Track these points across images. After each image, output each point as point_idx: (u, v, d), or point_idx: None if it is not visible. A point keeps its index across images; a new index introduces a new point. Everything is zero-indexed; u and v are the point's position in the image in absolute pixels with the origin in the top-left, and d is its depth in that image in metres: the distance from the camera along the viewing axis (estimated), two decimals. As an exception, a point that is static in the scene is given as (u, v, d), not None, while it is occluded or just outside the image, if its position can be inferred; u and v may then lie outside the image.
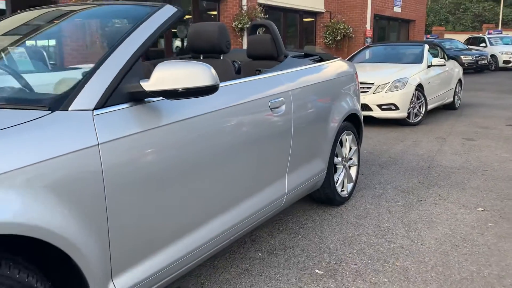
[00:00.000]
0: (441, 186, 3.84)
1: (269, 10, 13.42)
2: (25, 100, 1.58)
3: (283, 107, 2.45)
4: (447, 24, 34.91)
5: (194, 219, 1.86)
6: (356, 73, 3.62)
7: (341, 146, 3.30)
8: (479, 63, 17.96)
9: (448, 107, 8.74)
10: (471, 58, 17.76)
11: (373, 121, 7.07)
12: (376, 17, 17.16)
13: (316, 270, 2.38)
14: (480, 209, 3.30)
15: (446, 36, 26.34)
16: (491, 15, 34.50)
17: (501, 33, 22.91)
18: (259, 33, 3.26)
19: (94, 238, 1.43)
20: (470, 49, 19.36)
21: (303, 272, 2.36)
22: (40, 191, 1.28)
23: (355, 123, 3.52)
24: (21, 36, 2.10)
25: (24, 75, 1.78)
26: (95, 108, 1.51)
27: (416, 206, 3.36)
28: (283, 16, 14.81)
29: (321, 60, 3.34)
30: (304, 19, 15.71)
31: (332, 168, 3.15)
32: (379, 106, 6.74)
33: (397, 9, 18.17)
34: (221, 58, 2.73)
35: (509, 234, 2.84)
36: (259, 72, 2.60)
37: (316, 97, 2.86)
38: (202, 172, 1.86)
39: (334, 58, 3.49)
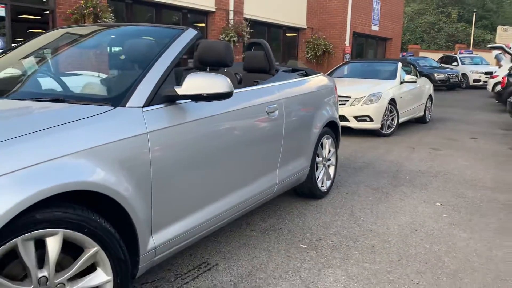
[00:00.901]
0: (406, 186, 4.45)
1: (255, 24, 14.07)
2: (96, 99, 2.08)
3: (277, 112, 3.01)
4: (422, 42, 36.37)
5: (211, 194, 2.39)
6: (335, 87, 4.21)
7: (322, 148, 3.87)
8: (451, 81, 18.98)
9: (419, 121, 9.46)
10: (443, 75, 18.76)
11: (349, 131, 7.70)
12: (355, 35, 18.02)
13: (301, 245, 2.92)
14: (438, 204, 3.91)
15: (421, 54, 27.51)
16: (464, 36, 36.13)
17: (472, 53, 24.14)
18: (253, 49, 3.82)
19: (142, 202, 1.94)
20: (443, 67, 20.40)
21: (290, 246, 2.90)
22: (109, 163, 1.78)
23: (334, 129, 4.10)
24: (81, 49, 2.62)
25: (91, 80, 2.29)
26: (144, 106, 2.03)
27: (384, 200, 3.95)
28: (267, 30, 15.48)
29: (306, 74, 3.92)
30: (287, 34, 16.43)
31: (314, 166, 3.71)
32: (355, 117, 7.39)
33: (375, 28, 19.11)
34: (225, 70, 3.27)
35: (459, 222, 3.45)
36: (257, 83, 3.15)
37: (302, 106, 3.43)
38: (217, 158, 2.39)
39: (317, 73, 4.08)
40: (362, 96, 7.40)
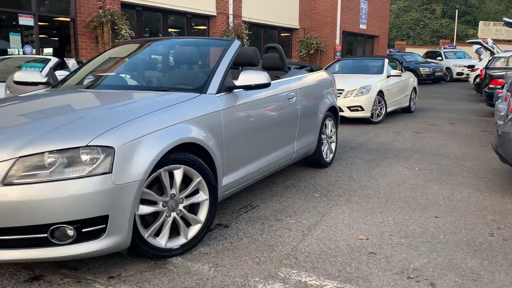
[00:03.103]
0: (393, 158, 5.56)
1: (252, 26, 15.14)
2: (187, 88, 3.14)
3: (294, 98, 4.09)
4: (408, 39, 37.70)
5: (256, 153, 3.46)
6: (334, 80, 5.31)
7: (325, 127, 4.95)
8: (436, 74, 20.20)
9: (405, 111, 10.60)
10: (428, 70, 19.98)
11: (344, 120, 8.79)
12: (345, 33, 19.17)
13: (315, 194, 4.01)
14: (417, 168, 5.02)
15: (407, 50, 28.78)
16: (448, 31, 37.53)
17: (455, 48, 25.39)
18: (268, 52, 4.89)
19: (220, 153, 2.99)
20: (428, 62, 21.63)
21: (307, 195, 3.98)
22: (200, 127, 2.84)
23: (334, 113, 5.19)
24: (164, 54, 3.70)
25: (182, 75, 3.37)
26: (216, 93, 3.10)
27: (375, 168, 5.05)
28: (263, 31, 16.57)
29: (311, 70, 5.00)
30: (281, 34, 17.53)
31: (320, 142, 4.79)
32: (349, 107, 8.50)
33: (363, 26, 20.27)
34: (253, 69, 4.34)
35: (432, 179, 4.55)
36: (278, 77, 4.21)
37: (311, 94, 4.52)
38: (259, 128, 3.47)
39: (321, 68, 5.16)
40: (354, 89, 8.51)
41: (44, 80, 3.67)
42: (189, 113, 2.81)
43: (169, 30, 13.42)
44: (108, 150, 2.27)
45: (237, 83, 3.19)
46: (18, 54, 9.48)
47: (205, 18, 14.15)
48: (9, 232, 2.15)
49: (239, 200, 3.83)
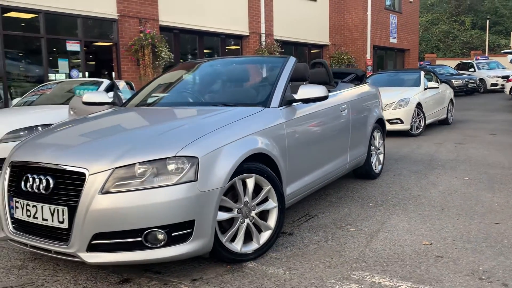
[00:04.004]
0: (439, 169, 5.58)
1: (283, 44, 15.42)
2: (252, 103, 3.32)
3: (346, 111, 4.22)
4: (438, 51, 37.35)
5: (314, 164, 3.60)
6: (379, 92, 5.42)
7: (374, 139, 5.05)
8: (469, 86, 19.93)
9: (443, 123, 10.55)
10: (461, 82, 19.74)
11: (383, 133, 8.83)
12: (375, 48, 19.24)
13: (370, 204, 4.09)
14: (467, 178, 5.04)
15: (438, 62, 28.51)
16: (479, 42, 37.01)
17: (488, 59, 25.02)
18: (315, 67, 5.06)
19: (283, 163, 3.15)
20: (460, 74, 21.37)
21: (362, 205, 4.08)
22: (267, 138, 3.00)
23: (382, 125, 5.28)
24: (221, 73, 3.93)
25: (244, 91, 3.58)
26: (278, 106, 3.27)
27: (424, 178, 5.09)
28: (294, 49, 16.83)
29: (357, 76, 5.13)
30: (312, 51, 17.75)
31: (369, 153, 4.89)
32: (388, 120, 8.53)
33: (393, 40, 20.30)
34: (304, 83, 4.50)
35: (484, 188, 4.56)
36: (329, 91, 4.36)
37: (360, 106, 4.64)
38: (316, 139, 3.61)
39: (364, 73, 5.33)
40: (392, 102, 8.57)
41: (110, 100, 3.94)
42: (257, 125, 2.98)
43: (204, 51, 13.83)
44: (192, 159, 2.45)
45: (297, 96, 3.36)
46: (66, 78, 9.99)
47: (238, 38, 14.52)
48: (109, 236, 2.35)
49: (296, 210, 3.95)
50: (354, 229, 3.41)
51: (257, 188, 2.89)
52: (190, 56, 13.78)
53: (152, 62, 10.89)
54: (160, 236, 2.38)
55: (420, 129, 8.87)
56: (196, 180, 2.43)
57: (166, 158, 2.43)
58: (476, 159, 6.15)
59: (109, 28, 10.98)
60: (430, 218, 3.64)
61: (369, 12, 18.12)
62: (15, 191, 2.63)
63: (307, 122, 3.53)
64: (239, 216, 2.75)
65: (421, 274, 2.59)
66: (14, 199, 2.61)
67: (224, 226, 2.73)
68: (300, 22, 16.44)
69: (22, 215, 2.56)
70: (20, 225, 2.61)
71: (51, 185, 2.46)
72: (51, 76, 10.17)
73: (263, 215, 2.95)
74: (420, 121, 8.89)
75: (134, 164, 2.40)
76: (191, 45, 13.74)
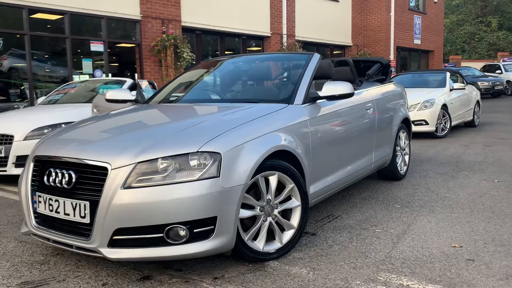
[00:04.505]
0: (467, 171, 5.41)
1: (305, 45, 15.31)
2: (276, 100, 3.27)
3: (371, 109, 4.12)
4: (463, 53, 36.58)
5: (338, 163, 3.51)
6: (405, 91, 5.28)
7: (399, 139, 4.92)
8: (496, 88, 19.44)
9: (469, 125, 10.28)
10: (487, 84, 19.27)
11: (407, 135, 8.64)
12: (398, 49, 18.94)
13: (396, 205, 3.98)
14: (496, 180, 4.86)
15: (463, 64, 27.90)
16: (505, 44, 36.08)
17: (515, 61, 24.33)
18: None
19: (307, 161, 3.07)
20: (487, 76, 20.87)
21: (387, 206, 3.96)
22: (291, 135, 2.93)
23: (407, 125, 5.15)
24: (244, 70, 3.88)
25: (268, 87, 3.52)
26: (302, 103, 3.19)
27: (451, 180, 4.94)
28: (316, 49, 16.69)
29: (381, 65, 5.02)
30: (334, 52, 17.58)
31: (395, 154, 4.76)
32: (413, 121, 8.33)
33: (417, 41, 19.96)
34: (328, 81, 4.41)
35: (514, 191, 4.40)
36: (354, 89, 4.27)
37: (386, 105, 4.52)
38: (341, 138, 3.52)
39: (388, 62, 5.20)
40: (417, 103, 8.38)
41: (133, 98, 3.93)
42: (280, 122, 2.92)
43: (226, 52, 13.84)
44: (215, 155, 2.41)
45: (321, 93, 3.28)
46: (89, 78, 10.11)
47: (259, 39, 14.49)
48: (131, 232, 2.32)
49: (319, 210, 3.87)
50: (379, 231, 3.31)
51: (280, 186, 2.83)
52: (211, 58, 13.81)
53: (174, 63, 10.94)
54: (182, 232, 2.34)
55: (446, 131, 8.65)
56: (219, 176, 2.38)
57: (188, 153, 2.39)
58: (505, 161, 5.94)
59: (132, 29, 11.09)
60: (459, 221, 3.50)
61: (392, 13, 17.87)
62: (38, 185, 2.63)
63: (332, 120, 3.45)
64: (262, 214, 2.69)
65: (451, 277, 2.48)
66: (37, 193, 2.61)
67: (246, 224, 2.67)
68: (322, 22, 16.30)
69: (45, 209, 2.55)
70: (43, 220, 2.60)
71: (74, 180, 2.44)
72: (76, 78, 10.32)
73: (286, 214, 2.88)
74: (445, 123, 8.68)
75: (157, 159, 2.36)
76: (212, 46, 13.77)
